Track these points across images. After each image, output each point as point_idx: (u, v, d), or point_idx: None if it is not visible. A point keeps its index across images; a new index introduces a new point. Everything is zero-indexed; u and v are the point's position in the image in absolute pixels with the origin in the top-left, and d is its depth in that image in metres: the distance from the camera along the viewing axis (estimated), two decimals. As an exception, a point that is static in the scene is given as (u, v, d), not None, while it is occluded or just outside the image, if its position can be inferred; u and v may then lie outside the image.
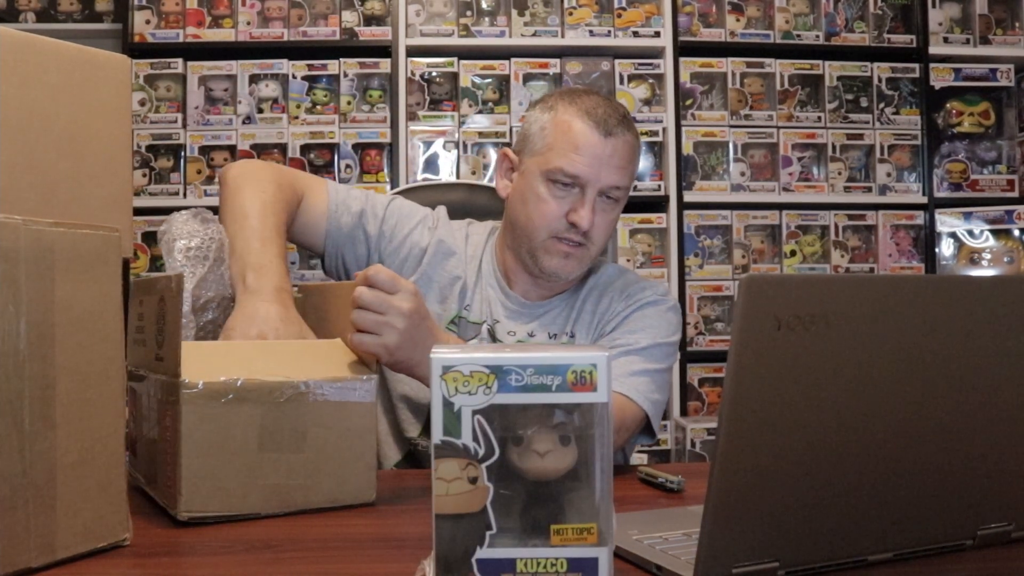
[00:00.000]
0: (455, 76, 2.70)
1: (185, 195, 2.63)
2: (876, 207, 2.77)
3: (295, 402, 0.87)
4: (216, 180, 2.66)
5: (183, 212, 1.10)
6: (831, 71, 2.77)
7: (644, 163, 2.72)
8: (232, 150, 2.64)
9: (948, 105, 2.80)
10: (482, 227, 1.38)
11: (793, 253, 2.76)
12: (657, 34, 2.72)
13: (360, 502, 0.91)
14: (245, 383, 0.85)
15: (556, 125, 1.22)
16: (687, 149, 2.72)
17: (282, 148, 2.64)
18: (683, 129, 2.71)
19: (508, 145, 1.34)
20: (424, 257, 1.30)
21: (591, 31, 2.71)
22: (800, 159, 2.76)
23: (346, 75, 2.68)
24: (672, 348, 1.28)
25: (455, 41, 2.68)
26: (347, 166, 2.65)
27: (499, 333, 1.28)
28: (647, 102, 2.74)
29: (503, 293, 1.31)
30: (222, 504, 0.84)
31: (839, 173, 2.77)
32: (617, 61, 2.72)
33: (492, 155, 2.66)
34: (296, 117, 2.66)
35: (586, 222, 1.20)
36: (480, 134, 2.68)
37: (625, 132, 1.22)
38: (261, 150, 2.64)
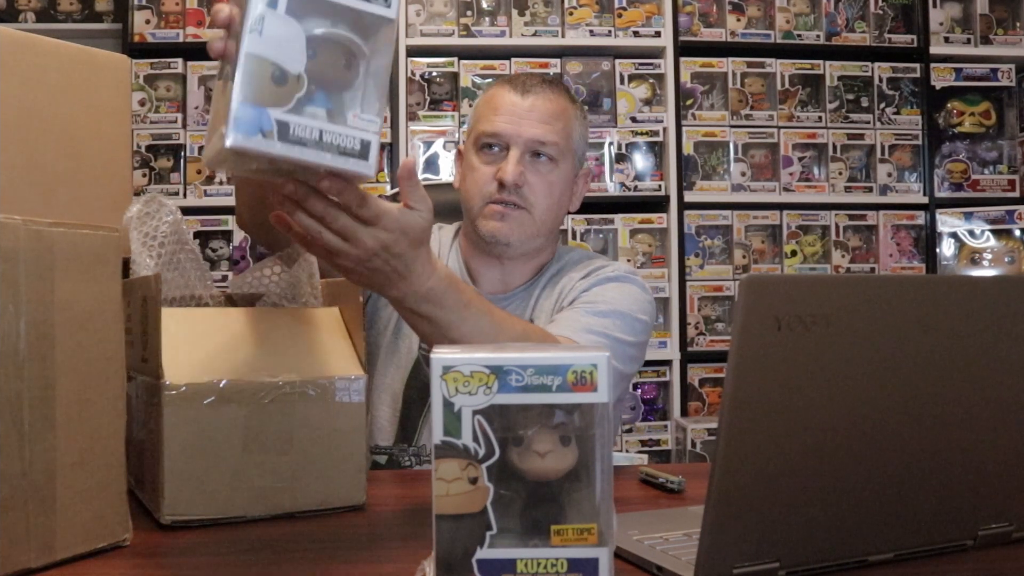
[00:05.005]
0: (455, 76, 2.70)
1: (185, 195, 2.63)
2: (877, 207, 2.77)
3: (280, 403, 0.85)
4: (216, 180, 2.66)
5: (136, 200, 1.04)
6: (832, 71, 2.77)
7: (644, 163, 2.72)
8: (232, 150, 2.63)
9: (949, 105, 2.80)
10: (449, 228, 1.39)
11: (794, 253, 2.76)
12: (657, 34, 2.72)
13: (350, 504, 0.89)
14: (228, 384, 0.83)
15: (482, 101, 1.27)
16: (687, 149, 2.72)
17: (282, 148, 2.64)
18: (683, 129, 2.71)
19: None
20: None
21: (591, 31, 2.71)
22: (801, 159, 2.76)
23: (346, 75, 2.67)
24: (640, 324, 1.20)
25: (455, 41, 2.68)
26: (347, 166, 2.65)
27: None
28: (647, 102, 2.73)
29: None
30: (206, 507, 0.83)
31: (840, 173, 2.76)
32: (617, 61, 2.72)
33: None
34: (296, 117, 2.66)
35: (510, 175, 1.19)
36: (480, 134, 2.68)
37: (547, 90, 1.23)
38: (261, 150, 2.64)
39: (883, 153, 2.77)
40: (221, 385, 0.83)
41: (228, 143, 0.65)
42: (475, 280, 1.30)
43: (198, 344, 0.86)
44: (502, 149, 1.22)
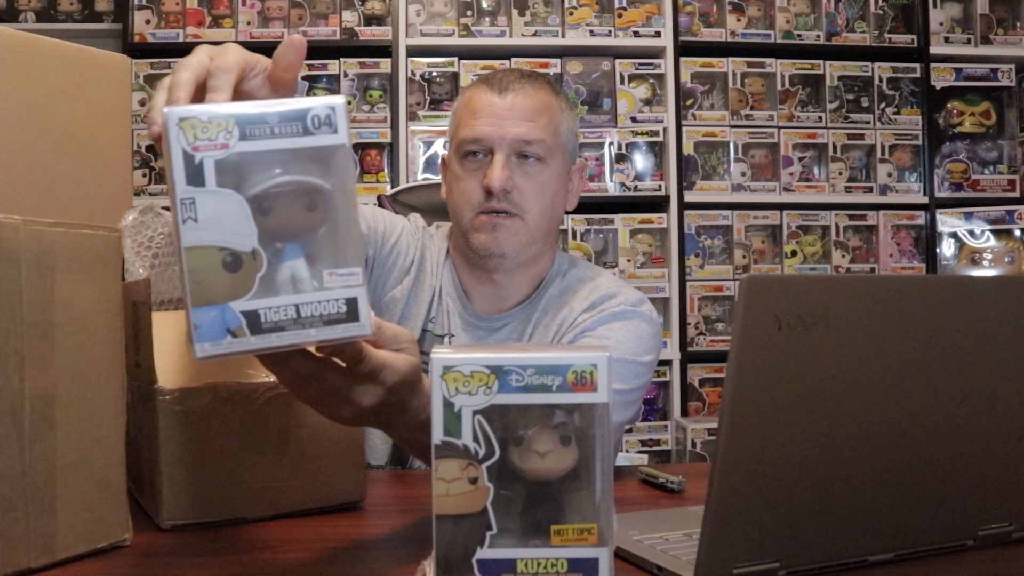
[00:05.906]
0: (455, 76, 2.70)
1: (185, 195, 2.63)
2: (877, 207, 2.77)
3: (275, 402, 0.84)
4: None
5: (131, 210, 1.05)
6: (832, 71, 2.77)
7: (644, 163, 2.72)
8: (232, 150, 2.63)
9: (949, 105, 2.80)
10: (444, 228, 1.31)
11: (794, 253, 2.76)
12: (658, 34, 2.72)
13: (349, 501, 0.89)
14: (222, 387, 0.82)
15: (460, 105, 1.20)
16: (688, 149, 2.72)
17: (282, 148, 2.64)
18: (684, 129, 2.71)
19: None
20: (412, 268, 1.24)
21: (592, 31, 2.71)
22: (801, 159, 2.76)
23: (346, 75, 2.68)
24: (644, 368, 1.14)
25: (455, 41, 2.68)
26: (347, 166, 2.65)
27: None
28: (647, 102, 2.73)
29: (461, 305, 1.22)
30: (205, 510, 0.82)
31: (840, 173, 2.77)
32: (618, 61, 2.72)
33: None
34: (296, 117, 2.65)
35: (497, 181, 1.11)
36: (480, 134, 2.68)
37: (526, 86, 1.16)
38: (261, 150, 2.64)
39: (883, 153, 2.78)
40: (215, 387, 0.82)
41: (197, 356, 0.57)
42: (469, 297, 1.22)
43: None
44: (486, 154, 1.14)
